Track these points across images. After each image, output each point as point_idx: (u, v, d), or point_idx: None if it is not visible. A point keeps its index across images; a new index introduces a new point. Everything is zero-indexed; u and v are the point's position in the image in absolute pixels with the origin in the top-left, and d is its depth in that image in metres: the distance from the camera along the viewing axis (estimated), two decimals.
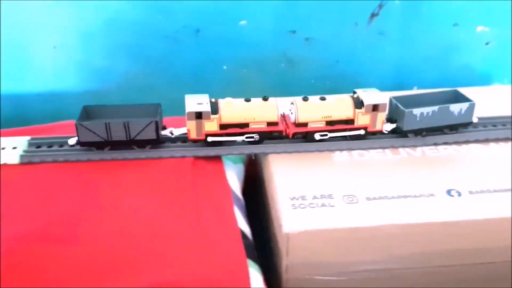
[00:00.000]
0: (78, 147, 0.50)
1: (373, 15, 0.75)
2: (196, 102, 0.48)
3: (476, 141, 0.53)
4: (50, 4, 0.66)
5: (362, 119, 0.50)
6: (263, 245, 0.48)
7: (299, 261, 0.42)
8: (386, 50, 0.78)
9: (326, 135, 0.51)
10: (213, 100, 0.49)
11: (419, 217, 0.42)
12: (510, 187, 0.46)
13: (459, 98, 0.54)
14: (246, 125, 0.49)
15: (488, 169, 0.48)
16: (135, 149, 0.49)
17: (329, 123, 0.50)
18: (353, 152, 0.51)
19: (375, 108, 0.50)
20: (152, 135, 0.48)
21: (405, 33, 0.77)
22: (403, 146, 0.52)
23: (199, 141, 0.49)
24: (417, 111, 0.51)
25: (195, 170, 0.48)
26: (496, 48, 0.79)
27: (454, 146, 0.52)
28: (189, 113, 0.47)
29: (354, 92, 0.51)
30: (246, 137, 0.49)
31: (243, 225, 0.45)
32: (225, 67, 0.75)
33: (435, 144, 0.52)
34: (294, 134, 0.50)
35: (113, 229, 0.41)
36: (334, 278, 0.44)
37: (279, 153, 0.50)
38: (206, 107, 0.47)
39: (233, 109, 0.49)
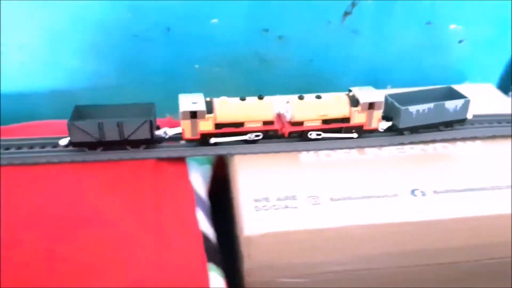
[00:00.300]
0: (62, 148, 0.49)
1: (346, 13, 0.74)
2: (190, 101, 0.47)
3: (443, 140, 0.52)
4: (15, 4, 0.64)
5: (358, 117, 0.50)
6: (232, 248, 0.47)
7: (262, 264, 0.41)
8: (360, 49, 0.77)
9: (320, 134, 0.51)
10: (208, 99, 0.48)
11: (382, 218, 0.42)
12: (476, 187, 0.45)
13: (454, 95, 0.53)
14: (241, 124, 0.48)
15: (456, 168, 0.48)
16: (128, 149, 0.48)
17: (325, 121, 0.50)
18: (320, 152, 0.50)
19: (371, 106, 0.49)
20: (146, 135, 0.47)
21: (379, 32, 0.76)
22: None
23: (194, 140, 0.48)
24: (413, 108, 0.51)
25: (157, 172, 0.47)
26: (469, 46, 0.79)
27: (421, 146, 0.52)
28: (184, 112, 0.46)
29: (350, 90, 0.51)
30: (249, 136, 0.49)
31: (206, 228, 0.44)
32: (197, 66, 0.74)
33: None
34: (290, 133, 0.49)
35: (70, 232, 0.40)
36: (298, 280, 0.43)
37: (245, 154, 0.49)
38: (201, 106, 0.47)
39: (229, 108, 0.48)
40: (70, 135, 0.47)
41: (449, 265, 0.45)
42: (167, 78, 0.74)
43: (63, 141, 0.48)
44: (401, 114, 0.50)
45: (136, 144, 0.48)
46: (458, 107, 0.52)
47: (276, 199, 0.43)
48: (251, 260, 0.41)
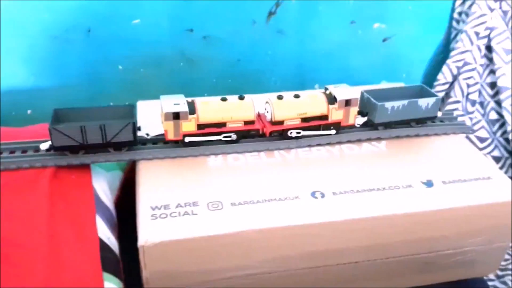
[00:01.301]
0: (43, 152, 0.48)
1: (270, 13, 0.74)
2: (172, 102, 0.47)
3: (348, 141, 0.54)
4: None
5: (336, 114, 0.51)
6: None
7: (159, 272, 0.41)
8: (286, 48, 0.78)
9: (300, 132, 0.51)
10: (189, 100, 0.48)
11: (280, 221, 0.43)
12: (376, 187, 0.46)
13: (425, 93, 0.55)
14: (223, 124, 0.49)
15: (359, 169, 0.49)
16: (110, 152, 0.48)
17: (304, 120, 0.51)
18: (228, 156, 0.50)
19: (347, 103, 0.51)
20: (129, 137, 0.47)
21: (304, 31, 0.77)
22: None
23: (177, 141, 0.49)
24: (388, 104, 0.52)
25: (56, 180, 0.46)
26: (393, 44, 0.80)
27: (327, 147, 0.52)
28: (167, 113, 0.46)
29: (326, 89, 0.52)
30: (224, 137, 0.50)
31: (107, 236, 0.43)
32: (120, 67, 0.73)
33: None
34: (271, 132, 0.50)
35: None
36: (198, 287, 0.43)
37: (150, 159, 0.49)
38: (183, 107, 0.47)
39: (210, 109, 0.48)
40: (51, 139, 0.46)
41: (350, 265, 0.46)
42: (90, 80, 0.73)
43: (44, 145, 0.47)
44: (378, 110, 0.51)
45: (118, 146, 0.48)
46: (430, 105, 0.54)
47: (176, 206, 0.43)
48: (147, 270, 0.41)
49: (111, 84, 0.73)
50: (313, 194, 0.46)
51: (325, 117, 0.51)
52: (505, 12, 0.72)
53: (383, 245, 0.46)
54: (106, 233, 0.44)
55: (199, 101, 0.48)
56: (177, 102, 0.47)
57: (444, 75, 0.75)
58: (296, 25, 0.76)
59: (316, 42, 0.78)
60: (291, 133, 0.51)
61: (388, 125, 0.54)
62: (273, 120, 0.50)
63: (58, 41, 0.69)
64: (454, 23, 0.77)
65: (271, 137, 0.51)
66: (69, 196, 0.45)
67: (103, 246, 0.42)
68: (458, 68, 0.74)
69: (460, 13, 0.76)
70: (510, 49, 0.71)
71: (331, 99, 0.51)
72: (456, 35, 0.76)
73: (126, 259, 0.44)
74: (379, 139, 0.54)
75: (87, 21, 0.69)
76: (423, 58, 0.83)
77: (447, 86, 0.75)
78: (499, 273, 0.61)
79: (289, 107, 0.50)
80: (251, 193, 0.45)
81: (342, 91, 0.51)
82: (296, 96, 0.51)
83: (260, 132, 0.51)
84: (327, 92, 0.52)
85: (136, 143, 0.48)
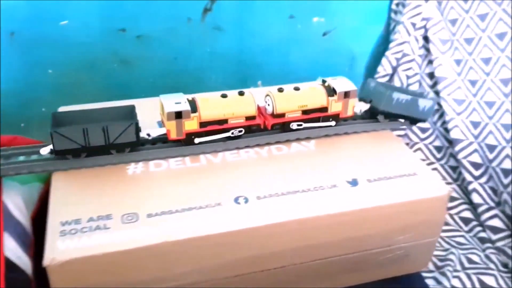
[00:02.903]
0: (45, 156, 0.46)
1: (206, 10, 0.73)
2: (173, 101, 0.47)
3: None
4: None
5: (335, 106, 0.51)
6: None
7: None
8: (225, 45, 0.76)
9: (301, 124, 0.51)
10: (189, 98, 0.47)
11: (200, 230, 0.41)
12: (301, 189, 0.45)
13: (425, 96, 0.56)
14: (225, 121, 0.48)
15: (284, 172, 0.48)
16: (113, 153, 0.47)
17: (304, 112, 0.50)
18: (150, 163, 0.49)
19: (346, 95, 0.51)
20: (132, 138, 0.46)
21: (243, 27, 0.76)
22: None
23: (179, 141, 0.48)
24: (395, 95, 0.52)
25: None
26: (334, 38, 0.79)
27: (256, 149, 0.51)
28: (169, 113, 0.46)
29: (324, 81, 0.52)
30: (231, 133, 0.49)
31: (16, 255, 0.41)
32: (50, 71, 0.70)
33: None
34: (273, 125, 0.50)
35: None
36: None
37: (66, 170, 0.47)
38: (185, 106, 0.46)
39: (212, 106, 0.48)
40: (53, 143, 0.44)
41: (276, 270, 0.45)
42: (18, 85, 0.70)
43: (45, 150, 0.46)
44: (385, 98, 0.52)
45: (121, 147, 0.47)
46: (426, 108, 0.54)
47: (87, 220, 0.41)
48: None
49: (42, 89, 0.71)
50: (236, 200, 0.44)
51: (324, 109, 0.51)
52: (440, 3, 0.71)
53: (309, 247, 0.45)
54: (15, 252, 0.41)
55: (199, 99, 0.48)
56: (178, 101, 0.47)
57: (384, 67, 0.74)
58: (234, 21, 0.75)
59: (255, 38, 0.77)
60: (292, 125, 0.50)
61: (387, 116, 0.54)
62: (274, 113, 0.50)
63: None
64: (393, 14, 0.76)
65: (273, 130, 0.51)
66: None
67: (10, 265, 0.40)
68: (397, 59, 0.74)
69: (397, 4, 0.75)
70: (446, 39, 0.71)
71: (330, 91, 0.51)
72: (394, 26, 0.76)
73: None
74: (308, 138, 0.52)
75: (8, 23, 0.66)
76: (365, 51, 0.82)
77: (387, 78, 0.74)
78: (439, 263, 0.61)
79: (290, 100, 0.50)
80: (170, 202, 0.43)
81: (341, 83, 0.51)
82: (296, 89, 0.50)
83: (262, 126, 0.50)
84: (326, 84, 0.52)
85: (139, 144, 0.47)
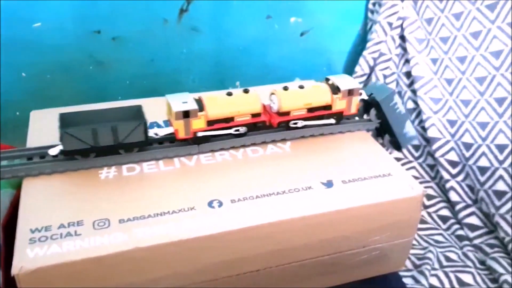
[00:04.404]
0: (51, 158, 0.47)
1: (182, 11, 0.72)
2: (180, 101, 0.47)
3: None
4: None
5: (339, 104, 0.52)
6: None
7: None
8: (203, 46, 0.76)
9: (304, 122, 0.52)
10: (196, 96, 0.48)
11: (172, 236, 0.41)
12: (275, 191, 0.45)
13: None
14: (231, 119, 0.49)
15: (258, 174, 0.48)
16: (121, 153, 0.47)
17: (309, 110, 0.51)
18: (123, 167, 0.48)
19: (350, 92, 0.51)
20: (141, 138, 0.46)
21: (220, 28, 0.75)
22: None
23: (187, 140, 0.48)
24: (396, 99, 0.54)
25: None
26: (312, 38, 0.79)
27: (231, 151, 0.51)
28: (177, 112, 0.46)
29: (327, 79, 0.52)
30: (234, 131, 0.50)
31: None
32: (24, 74, 0.69)
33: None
34: (279, 123, 0.50)
35: None
36: None
37: (36, 175, 0.46)
38: (193, 105, 0.47)
39: (218, 105, 0.48)
40: (62, 143, 0.45)
41: (251, 274, 0.45)
42: None
43: (53, 151, 0.46)
44: (387, 93, 0.54)
45: (130, 147, 0.47)
46: (408, 135, 0.56)
47: (58, 227, 0.41)
48: None
49: (15, 93, 0.69)
50: (210, 203, 0.44)
51: (328, 107, 0.51)
52: (415, 2, 0.71)
53: (284, 250, 0.44)
54: None
55: (206, 97, 0.48)
56: (185, 100, 0.47)
57: (361, 67, 0.75)
58: (211, 22, 0.74)
59: (233, 38, 0.76)
60: (296, 123, 0.51)
61: (379, 113, 0.55)
62: (280, 111, 0.50)
63: None
64: (369, 14, 0.77)
65: (278, 128, 0.51)
66: None
67: None
68: (375, 59, 0.74)
69: (374, 4, 0.75)
70: (423, 38, 0.72)
71: (334, 89, 0.51)
72: (371, 26, 0.76)
73: None
74: (284, 140, 0.52)
75: None
76: (343, 50, 0.82)
77: (365, 77, 0.74)
78: (417, 262, 0.61)
79: (295, 98, 0.50)
80: (143, 207, 0.43)
81: (344, 81, 0.52)
82: (301, 87, 0.51)
83: (267, 123, 0.51)
84: (330, 82, 0.52)
85: (148, 143, 0.48)
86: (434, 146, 0.68)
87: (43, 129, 0.52)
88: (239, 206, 0.44)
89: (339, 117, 0.53)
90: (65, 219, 0.41)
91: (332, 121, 0.53)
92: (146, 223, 0.41)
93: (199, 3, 0.71)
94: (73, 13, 0.68)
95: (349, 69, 0.81)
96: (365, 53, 0.74)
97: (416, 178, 0.71)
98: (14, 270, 0.37)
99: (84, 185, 0.45)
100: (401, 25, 0.71)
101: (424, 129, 0.70)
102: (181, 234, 0.41)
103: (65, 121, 0.46)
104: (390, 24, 0.72)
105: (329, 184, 0.46)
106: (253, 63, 0.79)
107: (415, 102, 0.72)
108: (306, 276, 0.47)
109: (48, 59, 0.69)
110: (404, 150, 0.72)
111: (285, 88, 0.50)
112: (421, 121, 0.71)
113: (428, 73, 0.70)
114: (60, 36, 0.69)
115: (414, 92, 0.72)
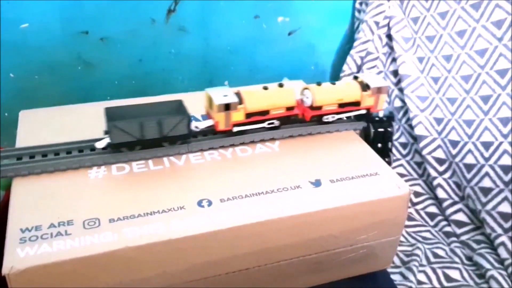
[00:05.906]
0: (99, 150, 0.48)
1: (170, 11, 0.72)
2: (221, 94, 0.49)
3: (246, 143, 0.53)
4: None
5: (368, 100, 0.53)
6: None
7: None
8: (191, 46, 0.76)
9: (334, 117, 0.53)
10: (234, 90, 0.50)
11: (161, 235, 0.41)
12: (264, 191, 0.45)
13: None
14: (267, 112, 0.51)
15: (249, 173, 0.48)
16: (165, 146, 0.49)
17: (340, 105, 0.53)
18: (112, 166, 0.48)
19: (379, 90, 0.53)
20: (184, 131, 0.48)
21: (208, 28, 0.75)
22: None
23: (226, 132, 0.50)
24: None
25: None
26: (299, 37, 0.80)
27: (220, 150, 0.51)
28: (219, 105, 0.48)
29: (356, 77, 0.54)
30: (268, 123, 0.51)
31: None
32: (12, 75, 0.68)
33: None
34: (312, 117, 0.52)
35: None
36: None
37: (26, 175, 0.46)
38: (233, 98, 0.49)
39: (256, 98, 0.50)
40: (110, 136, 0.46)
41: (240, 273, 0.45)
42: None
43: (100, 144, 0.47)
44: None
45: (173, 140, 0.49)
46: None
47: (48, 226, 0.41)
48: None
49: (3, 94, 0.69)
50: (199, 203, 0.44)
51: (357, 103, 0.53)
52: (402, 1, 0.72)
53: (272, 249, 0.45)
54: None
55: (243, 91, 0.50)
56: (226, 94, 0.49)
57: (349, 66, 0.75)
58: (199, 22, 0.74)
59: (221, 38, 0.76)
60: (327, 118, 0.53)
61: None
62: (313, 105, 0.51)
63: None
64: (356, 13, 0.77)
65: (310, 122, 0.53)
66: None
67: None
68: (362, 58, 0.74)
69: (361, 3, 0.76)
70: (409, 37, 0.72)
71: (364, 86, 0.53)
72: (358, 25, 0.77)
73: None
74: (272, 139, 0.53)
75: None
76: (330, 49, 0.83)
77: (352, 77, 0.75)
78: (405, 259, 0.62)
79: (327, 93, 0.52)
80: (133, 207, 0.43)
81: (373, 79, 0.53)
82: (333, 83, 0.53)
83: (300, 117, 0.52)
84: (359, 80, 0.53)
85: (190, 136, 0.49)
86: (421, 144, 0.69)
87: (33, 129, 0.52)
88: (228, 205, 0.44)
89: (367, 113, 0.55)
90: (55, 218, 0.41)
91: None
92: (136, 223, 0.41)
93: (186, 3, 0.72)
94: (61, 14, 0.67)
95: (337, 68, 0.81)
96: (352, 52, 0.74)
97: (404, 175, 0.72)
98: (5, 270, 0.37)
99: (73, 185, 0.45)
100: (388, 24, 0.72)
101: (412, 127, 0.71)
102: (170, 233, 0.41)
103: (111, 115, 0.47)
104: (377, 23, 0.72)
105: (317, 183, 0.47)
106: (241, 63, 0.79)
107: (402, 101, 0.73)
108: (295, 274, 0.47)
109: (36, 60, 0.69)
110: (392, 148, 0.73)
111: (319, 84, 0.52)
112: (408, 119, 0.72)
113: (414, 72, 0.71)
114: (48, 37, 0.68)
115: (401, 90, 0.72)
